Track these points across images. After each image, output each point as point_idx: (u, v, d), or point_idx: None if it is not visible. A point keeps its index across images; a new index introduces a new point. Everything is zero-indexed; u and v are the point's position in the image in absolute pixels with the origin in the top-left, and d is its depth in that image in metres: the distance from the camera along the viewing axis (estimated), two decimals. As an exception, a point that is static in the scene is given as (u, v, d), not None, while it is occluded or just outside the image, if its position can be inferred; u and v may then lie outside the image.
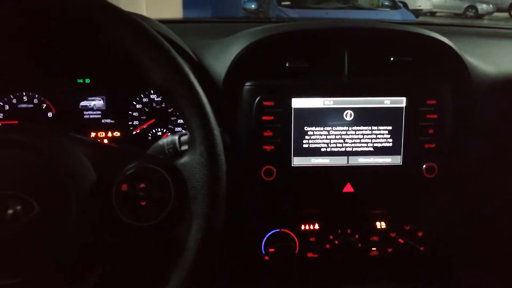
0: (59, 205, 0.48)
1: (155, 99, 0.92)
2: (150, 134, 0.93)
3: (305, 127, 0.76)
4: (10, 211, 0.46)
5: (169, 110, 0.93)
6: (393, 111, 0.76)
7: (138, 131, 0.92)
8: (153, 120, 0.92)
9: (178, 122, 0.93)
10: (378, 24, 0.78)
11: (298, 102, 0.75)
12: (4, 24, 0.52)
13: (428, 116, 0.76)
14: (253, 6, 4.52)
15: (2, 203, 0.45)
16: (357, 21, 0.84)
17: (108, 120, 0.91)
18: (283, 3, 4.46)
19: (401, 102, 0.75)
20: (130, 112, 0.92)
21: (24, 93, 0.88)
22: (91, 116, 0.90)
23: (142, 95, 0.92)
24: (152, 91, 0.92)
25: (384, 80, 0.76)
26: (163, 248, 0.52)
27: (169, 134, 0.66)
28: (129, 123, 0.92)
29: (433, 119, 0.76)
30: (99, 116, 0.91)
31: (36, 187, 0.47)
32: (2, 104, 0.87)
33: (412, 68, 0.77)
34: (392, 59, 0.76)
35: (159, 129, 0.93)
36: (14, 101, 0.87)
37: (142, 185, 0.50)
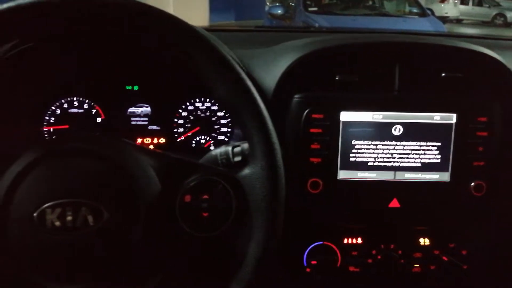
0: (127, 213, 0.49)
1: (200, 107, 0.94)
2: (194, 142, 0.94)
3: (352, 141, 0.76)
4: (82, 218, 0.47)
5: (213, 119, 0.94)
6: (443, 127, 0.75)
7: (182, 138, 0.94)
8: (197, 128, 0.94)
9: (221, 130, 0.94)
10: (430, 40, 0.78)
11: (346, 116, 0.75)
12: (65, 30, 0.54)
13: (478, 133, 0.75)
14: (279, 11, 4.52)
15: (74, 210, 0.47)
16: (409, 36, 0.84)
17: (154, 127, 0.93)
18: (310, 9, 4.45)
19: (451, 118, 0.75)
20: (175, 120, 0.93)
21: (75, 98, 0.90)
22: (138, 123, 0.92)
23: (187, 103, 0.93)
24: (197, 100, 0.93)
25: (435, 95, 0.75)
26: (222, 259, 0.53)
27: (222, 146, 0.67)
28: (174, 130, 0.94)
29: (483, 136, 0.75)
30: (146, 122, 0.93)
31: (106, 196, 0.49)
32: (54, 108, 0.90)
33: (462, 84, 0.76)
34: (443, 75, 0.75)
35: (202, 137, 0.94)
36: (65, 105, 0.90)
37: (205, 196, 0.52)
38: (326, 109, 0.74)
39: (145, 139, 0.93)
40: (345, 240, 0.80)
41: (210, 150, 0.93)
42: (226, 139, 0.94)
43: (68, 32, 0.55)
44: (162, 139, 0.93)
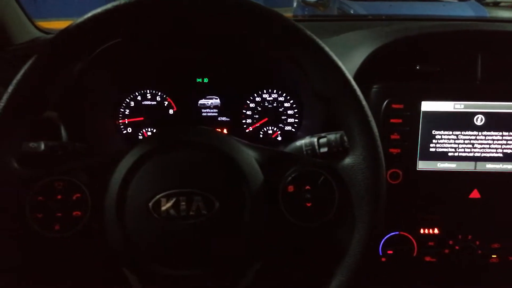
0: (235, 202, 0.51)
1: (267, 99, 0.95)
2: (261, 132, 0.95)
3: (433, 131, 0.75)
4: (195, 207, 0.49)
5: (280, 110, 0.95)
6: (527, 116, 0.73)
7: (251, 129, 0.95)
8: (265, 119, 0.95)
9: (288, 121, 0.95)
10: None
11: (427, 106, 0.74)
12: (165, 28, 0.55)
13: None
14: (313, -2, 4.44)
15: (188, 200, 0.49)
16: (491, 24, 0.81)
17: (224, 118, 0.95)
18: (345, -5, 4.35)
19: (536, 107, 0.73)
20: (244, 111, 0.95)
21: (148, 91, 0.93)
22: (208, 114, 0.94)
23: (255, 94, 0.94)
24: (264, 91, 0.94)
25: (518, 84, 0.74)
26: (324, 249, 0.54)
27: (307, 136, 0.67)
28: (243, 121, 0.95)
29: None
30: (216, 114, 0.94)
31: (217, 186, 0.50)
32: (128, 101, 0.93)
33: None
34: None
35: (270, 128, 0.95)
36: (139, 98, 0.93)
37: (308, 187, 0.53)
38: (407, 100, 0.74)
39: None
40: (422, 230, 0.80)
41: (278, 140, 0.96)
42: (293, 130, 0.95)
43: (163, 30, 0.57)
44: (231, 130, 0.95)
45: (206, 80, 0.94)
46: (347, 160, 0.53)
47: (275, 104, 0.95)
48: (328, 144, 0.64)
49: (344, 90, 0.52)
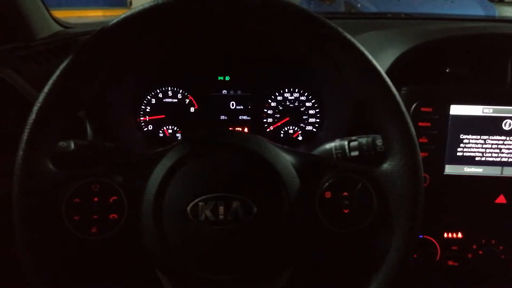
0: (273, 208, 0.50)
1: (289, 98, 0.94)
2: (282, 132, 0.95)
3: (460, 135, 0.74)
4: (233, 212, 0.49)
5: (302, 109, 0.94)
6: (557, 122, 0.73)
7: (271, 128, 0.94)
8: (287, 119, 0.94)
9: (309, 121, 0.94)
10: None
11: (456, 109, 0.73)
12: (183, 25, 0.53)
13: None
14: (320, -8, 4.41)
15: (226, 204, 0.49)
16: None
17: (244, 117, 0.94)
18: (353, -10, 4.32)
19: None
20: (265, 110, 0.94)
21: (169, 88, 0.92)
22: (229, 112, 0.93)
23: (276, 93, 0.94)
24: (286, 90, 0.94)
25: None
26: (361, 255, 0.54)
27: (337, 139, 0.66)
28: (264, 120, 0.94)
29: None
30: (236, 112, 0.94)
31: (255, 191, 0.50)
32: (149, 98, 0.92)
33: None
34: None
35: (291, 127, 0.94)
36: (160, 95, 0.92)
37: (345, 193, 0.52)
38: (436, 103, 0.73)
39: (236, 129, 0.94)
40: (446, 235, 0.80)
41: (299, 140, 0.95)
42: (314, 130, 0.94)
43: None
44: (252, 129, 0.94)
45: (227, 78, 0.93)
46: (386, 166, 0.52)
47: (296, 104, 0.94)
48: (359, 148, 0.64)
49: (383, 94, 0.51)
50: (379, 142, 0.63)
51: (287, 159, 0.53)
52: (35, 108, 0.48)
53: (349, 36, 0.50)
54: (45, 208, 0.48)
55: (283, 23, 0.49)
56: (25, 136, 0.48)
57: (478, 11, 3.85)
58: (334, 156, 0.66)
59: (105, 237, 0.50)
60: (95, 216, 0.50)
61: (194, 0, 0.47)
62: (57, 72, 0.48)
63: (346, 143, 0.65)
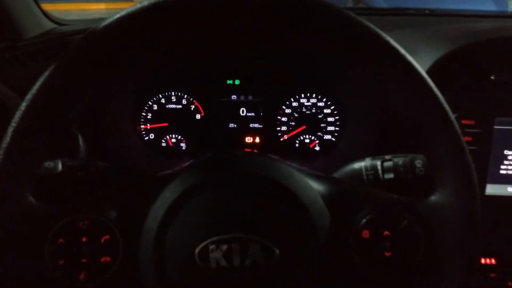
0: (298, 251, 0.41)
1: (305, 104, 0.85)
2: (297, 141, 0.86)
3: (505, 151, 0.65)
4: (251, 256, 0.40)
5: (319, 117, 0.85)
6: None
7: (286, 137, 0.85)
8: (303, 127, 0.85)
9: (328, 129, 0.85)
10: None
11: (501, 122, 0.64)
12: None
13: None
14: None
15: (242, 247, 0.40)
16: None
17: (256, 125, 0.85)
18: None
19: None
20: (278, 117, 0.85)
21: (173, 93, 0.83)
22: (239, 120, 0.84)
23: (291, 99, 0.84)
24: (302, 95, 0.84)
25: None
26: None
27: (367, 158, 0.58)
28: (277, 128, 0.85)
29: None
30: (247, 120, 0.85)
31: (277, 230, 0.41)
32: (150, 104, 0.83)
33: None
34: None
35: (307, 137, 0.85)
36: (163, 101, 0.83)
37: (386, 232, 0.43)
38: (479, 115, 0.64)
39: (246, 138, 0.85)
40: (483, 260, 0.71)
41: (316, 150, 0.86)
42: (334, 140, 0.85)
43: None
44: (264, 138, 0.85)
45: (237, 81, 0.84)
46: (435, 199, 0.43)
47: (314, 110, 0.85)
48: (394, 169, 0.55)
49: (435, 114, 0.42)
50: (418, 163, 0.54)
51: (314, 190, 0.44)
52: (10, 130, 0.39)
53: (403, 51, 0.41)
54: (23, 251, 0.40)
55: (321, 27, 0.40)
56: None
57: (491, 7, 3.73)
58: (365, 177, 0.57)
59: (95, 284, 0.41)
60: (84, 260, 0.41)
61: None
62: (41, 80, 0.39)
63: (378, 163, 0.56)
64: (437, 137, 0.42)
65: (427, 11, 1.11)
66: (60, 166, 0.52)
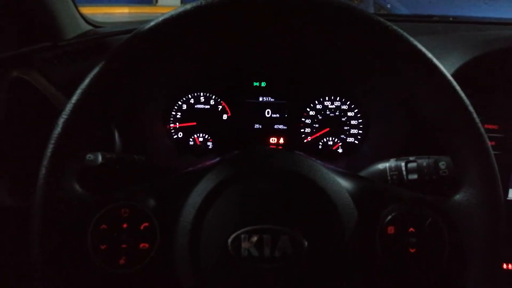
0: (326, 244, 0.43)
1: (329, 106, 0.87)
2: (321, 144, 0.88)
3: (529, 156, 0.66)
4: (281, 247, 0.42)
5: (343, 119, 0.87)
6: None
7: (309, 139, 0.87)
8: (327, 129, 0.87)
9: (351, 132, 0.87)
10: None
11: (525, 127, 0.65)
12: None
13: None
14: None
15: (273, 238, 0.42)
16: None
17: (280, 126, 0.87)
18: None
19: None
20: (303, 119, 0.87)
21: (201, 94, 0.86)
22: (264, 121, 0.87)
23: (316, 101, 0.87)
24: (326, 98, 0.86)
25: None
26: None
27: (392, 159, 0.59)
28: (301, 130, 0.87)
29: None
30: (272, 121, 0.87)
31: (307, 223, 0.43)
32: (180, 103, 0.86)
33: None
34: None
35: (331, 139, 0.87)
36: (192, 101, 0.86)
37: (411, 229, 0.45)
38: (502, 119, 0.65)
39: (270, 139, 0.87)
40: (505, 266, 0.71)
41: (339, 152, 0.88)
42: (357, 142, 0.87)
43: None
44: (288, 139, 0.87)
45: (263, 84, 0.86)
46: (459, 198, 0.45)
47: (337, 113, 0.87)
48: (418, 170, 0.56)
49: (461, 117, 0.44)
50: (442, 165, 0.56)
51: (342, 186, 0.46)
52: (61, 120, 0.42)
53: (430, 55, 0.43)
54: (69, 236, 0.43)
55: (352, 31, 0.42)
56: (49, 152, 0.42)
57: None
58: (389, 178, 0.58)
59: (134, 270, 0.44)
60: (124, 246, 0.44)
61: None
62: (90, 77, 0.43)
63: (403, 164, 0.58)
64: (463, 138, 0.44)
65: (451, 18, 1.12)
66: (100, 159, 0.55)
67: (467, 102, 0.44)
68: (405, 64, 0.44)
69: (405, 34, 0.43)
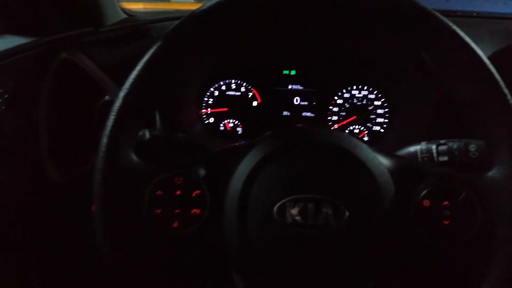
0: (365, 215, 0.46)
1: (357, 95, 0.89)
2: (347, 131, 0.90)
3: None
4: (323, 216, 0.45)
5: (369, 108, 0.89)
6: None
7: (336, 127, 0.90)
8: (354, 117, 0.89)
9: (377, 121, 0.89)
10: None
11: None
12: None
13: None
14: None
15: (316, 207, 0.45)
16: None
17: (308, 114, 0.90)
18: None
19: None
20: (330, 107, 0.90)
21: (233, 81, 0.89)
22: (293, 108, 0.90)
23: (344, 90, 0.89)
24: (354, 87, 0.89)
25: None
26: (458, 271, 0.49)
27: (422, 142, 0.62)
28: (329, 118, 0.90)
29: None
30: (300, 108, 0.90)
31: (348, 194, 0.46)
32: (212, 90, 0.89)
33: None
34: None
35: (357, 127, 0.90)
36: (223, 88, 0.89)
37: (446, 202, 0.47)
38: None
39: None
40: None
41: (364, 140, 0.90)
42: (382, 130, 0.89)
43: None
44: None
45: (293, 72, 0.89)
46: (492, 174, 0.47)
47: (364, 102, 0.89)
48: (449, 152, 0.59)
49: (495, 98, 0.46)
50: (472, 147, 0.58)
51: (381, 162, 0.49)
52: (122, 94, 0.46)
53: (467, 38, 0.46)
54: (127, 200, 0.46)
55: (398, 20, 0.45)
56: (110, 123, 0.46)
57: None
58: (420, 159, 0.61)
59: (186, 233, 0.47)
60: (177, 211, 0.47)
61: None
62: (146, 57, 0.46)
63: (434, 146, 0.60)
64: (495, 119, 0.46)
65: (475, 14, 1.14)
66: (147, 135, 0.58)
67: (502, 83, 0.47)
68: (450, 52, 0.47)
69: (444, 18, 0.46)
